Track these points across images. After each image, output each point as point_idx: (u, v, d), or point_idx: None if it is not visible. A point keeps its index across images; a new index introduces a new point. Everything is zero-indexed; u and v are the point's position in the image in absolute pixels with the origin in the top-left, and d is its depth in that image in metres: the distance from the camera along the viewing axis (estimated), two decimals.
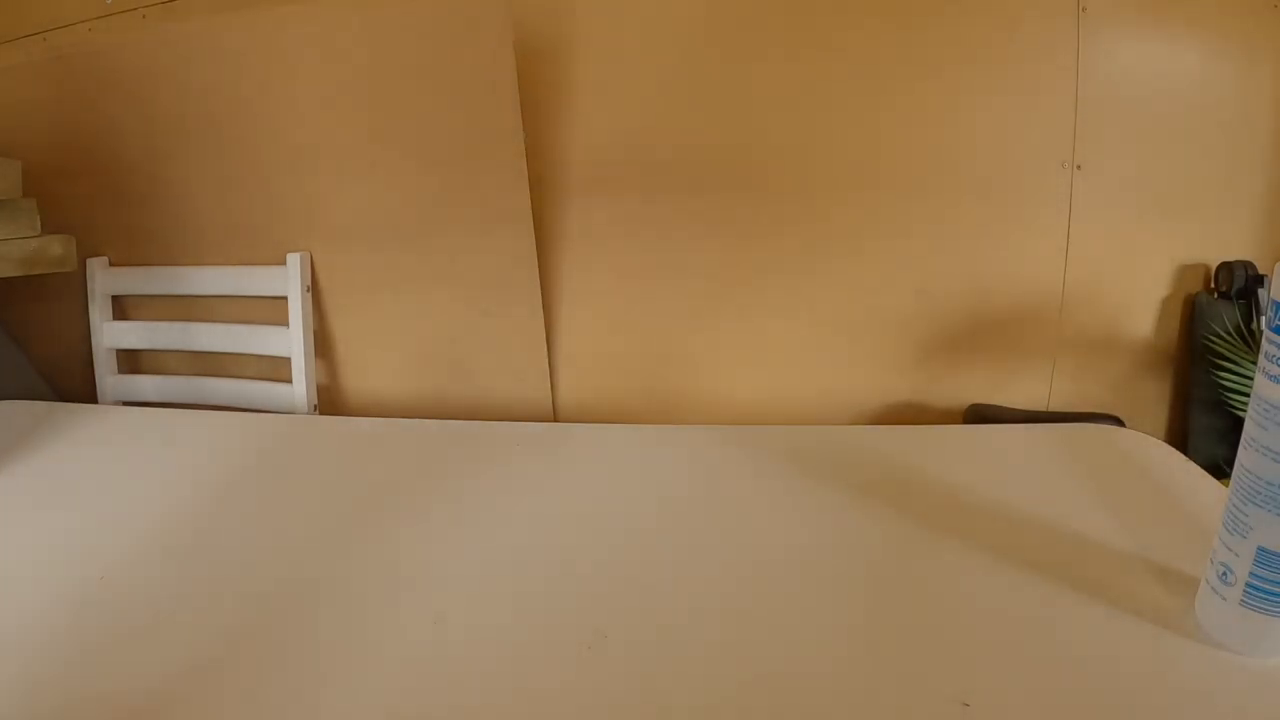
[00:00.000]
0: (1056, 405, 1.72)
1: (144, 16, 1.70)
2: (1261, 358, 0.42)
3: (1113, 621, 0.48)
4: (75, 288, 1.65)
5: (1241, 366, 1.52)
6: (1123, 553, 0.55)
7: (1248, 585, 0.42)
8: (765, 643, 0.47)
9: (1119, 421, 1.47)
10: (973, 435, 0.86)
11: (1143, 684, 0.43)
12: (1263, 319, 1.58)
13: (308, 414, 1.54)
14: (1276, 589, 0.42)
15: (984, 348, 1.71)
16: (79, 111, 1.60)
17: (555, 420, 1.69)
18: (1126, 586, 0.51)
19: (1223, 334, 1.58)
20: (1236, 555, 0.43)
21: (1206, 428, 1.64)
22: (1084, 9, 1.54)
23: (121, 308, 1.70)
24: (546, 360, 1.64)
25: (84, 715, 0.44)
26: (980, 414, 1.66)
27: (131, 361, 1.72)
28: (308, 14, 1.48)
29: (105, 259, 1.66)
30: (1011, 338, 1.71)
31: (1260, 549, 0.41)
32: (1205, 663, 0.44)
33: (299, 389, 1.54)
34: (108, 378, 1.66)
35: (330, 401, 1.67)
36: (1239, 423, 0.43)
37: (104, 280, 1.65)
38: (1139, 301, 1.71)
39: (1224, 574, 0.44)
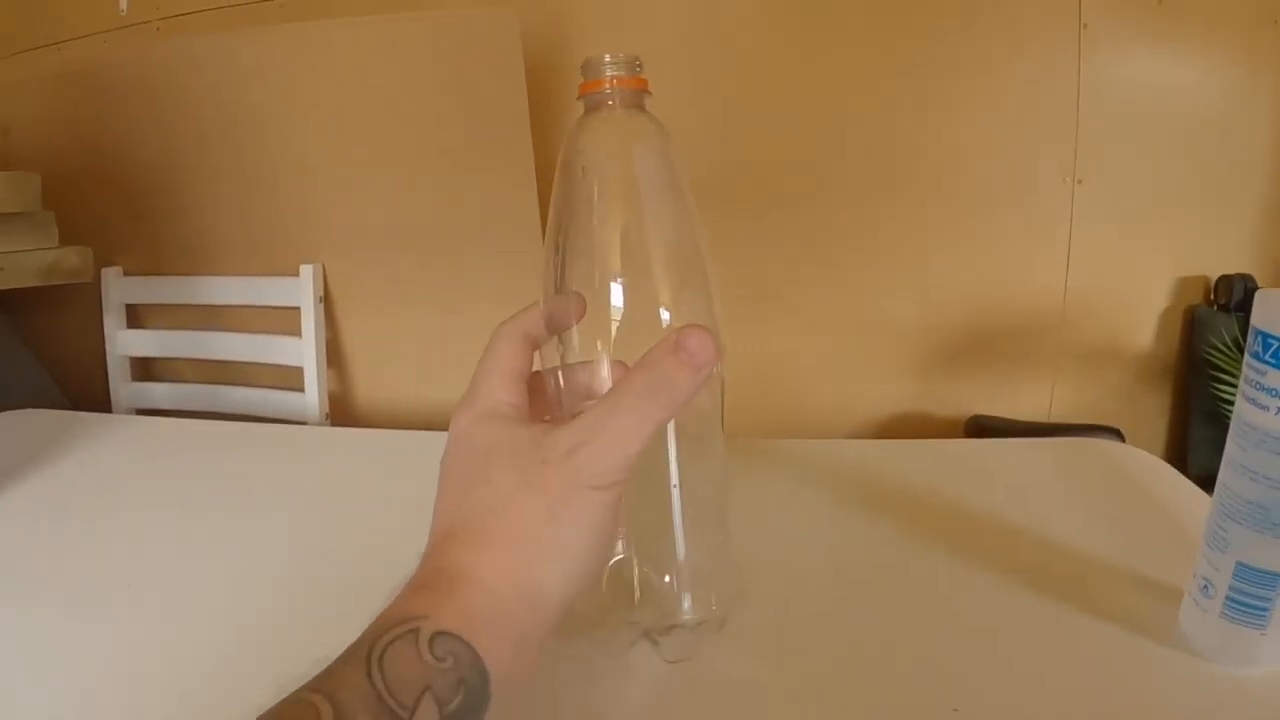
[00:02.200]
0: (1058, 416, 1.74)
1: (158, 29, 1.73)
2: (1242, 381, 0.44)
3: (1100, 632, 0.49)
4: (91, 297, 1.68)
5: (1239, 379, 1.53)
6: (1113, 566, 0.56)
7: (1227, 598, 0.44)
8: (758, 651, 0.49)
9: (1119, 433, 1.48)
10: (971, 449, 0.88)
11: (1125, 693, 0.44)
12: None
13: (320, 423, 1.55)
14: (1255, 602, 0.43)
15: (985, 358, 1.72)
16: (95, 124, 1.62)
17: None
18: (1115, 598, 0.52)
19: (1221, 346, 1.60)
20: (1217, 570, 0.44)
21: (1206, 439, 1.65)
22: (1085, 25, 1.55)
23: (136, 316, 1.72)
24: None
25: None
26: (981, 425, 1.68)
27: (146, 369, 1.75)
28: (320, 28, 1.50)
29: (120, 268, 1.68)
30: (1013, 348, 1.72)
31: (1239, 564, 0.43)
32: (1187, 672, 0.45)
33: (311, 398, 1.56)
34: (122, 386, 1.68)
35: (342, 411, 1.69)
36: None
37: (119, 289, 1.68)
38: (1139, 313, 1.72)
39: (1205, 587, 0.46)
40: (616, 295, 0.43)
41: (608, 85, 0.46)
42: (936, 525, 0.63)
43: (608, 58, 0.46)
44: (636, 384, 0.37)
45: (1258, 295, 0.45)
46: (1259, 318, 0.44)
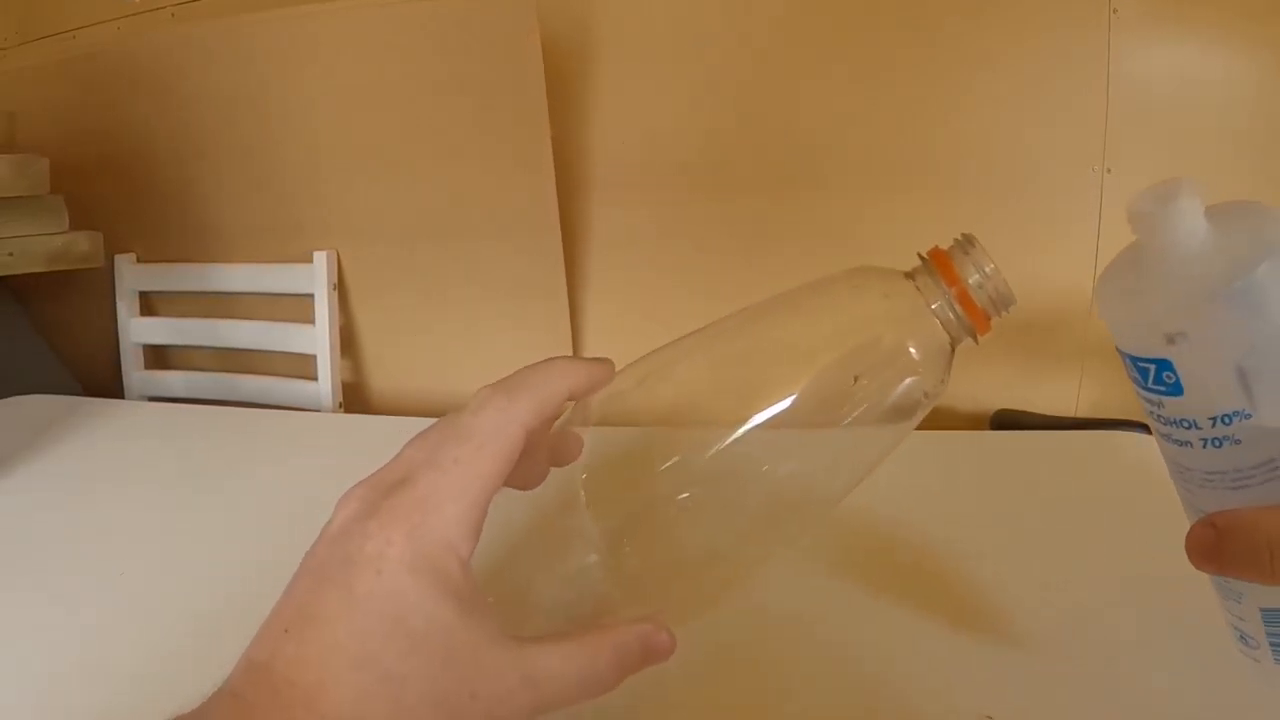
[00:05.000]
0: (1085, 411, 1.70)
1: (172, 15, 1.71)
2: (1150, 421, 0.39)
3: (1140, 635, 0.47)
4: (103, 284, 1.67)
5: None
6: (1150, 565, 0.54)
7: (1272, 646, 0.40)
8: (785, 651, 0.47)
9: (1147, 429, 1.45)
10: (998, 442, 0.86)
11: (1167, 699, 0.42)
12: None
13: (332, 411, 1.55)
14: None
15: (1011, 351, 1.69)
16: (107, 109, 1.62)
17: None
18: (1153, 600, 0.50)
19: None
20: (1244, 620, 0.40)
21: None
22: (1115, 11, 1.51)
23: (149, 304, 1.72)
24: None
25: (102, 709, 0.45)
26: (1007, 419, 1.65)
27: (158, 357, 1.74)
28: (335, 12, 1.48)
29: (133, 255, 1.68)
30: (1039, 341, 1.69)
31: (1264, 610, 0.39)
32: (1227, 679, 0.43)
33: (324, 386, 1.55)
34: (135, 373, 1.68)
35: (355, 399, 1.68)
36: None
37: (131, 276, 1.67)
38: None
39: (1243, 638, 0.41)
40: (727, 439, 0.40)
41: (958, 296, 0.41)
42: (965, 521, 0.61)
43: (989, 268, 0.41)
44: (606, 654, 0.34)
45: (1096, 290, 0.40)
46: (1117, 337, 0.38)
